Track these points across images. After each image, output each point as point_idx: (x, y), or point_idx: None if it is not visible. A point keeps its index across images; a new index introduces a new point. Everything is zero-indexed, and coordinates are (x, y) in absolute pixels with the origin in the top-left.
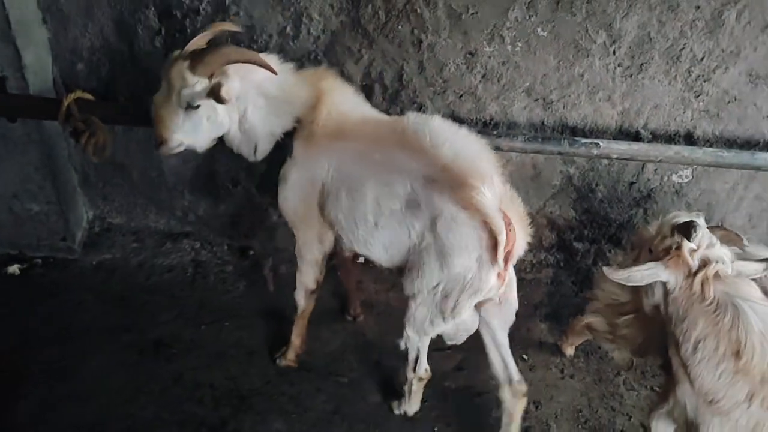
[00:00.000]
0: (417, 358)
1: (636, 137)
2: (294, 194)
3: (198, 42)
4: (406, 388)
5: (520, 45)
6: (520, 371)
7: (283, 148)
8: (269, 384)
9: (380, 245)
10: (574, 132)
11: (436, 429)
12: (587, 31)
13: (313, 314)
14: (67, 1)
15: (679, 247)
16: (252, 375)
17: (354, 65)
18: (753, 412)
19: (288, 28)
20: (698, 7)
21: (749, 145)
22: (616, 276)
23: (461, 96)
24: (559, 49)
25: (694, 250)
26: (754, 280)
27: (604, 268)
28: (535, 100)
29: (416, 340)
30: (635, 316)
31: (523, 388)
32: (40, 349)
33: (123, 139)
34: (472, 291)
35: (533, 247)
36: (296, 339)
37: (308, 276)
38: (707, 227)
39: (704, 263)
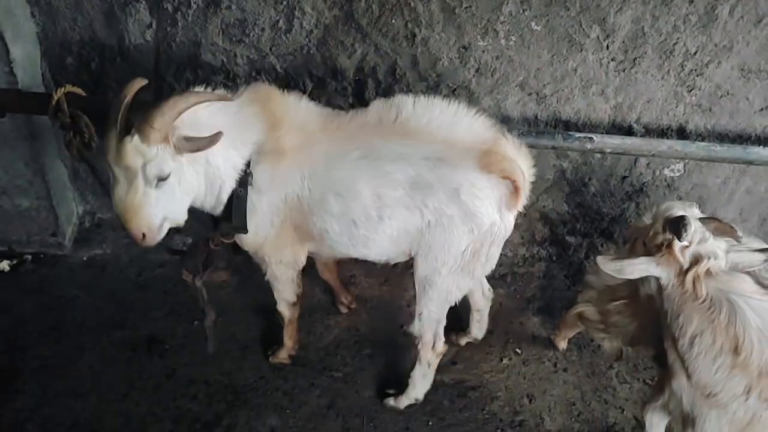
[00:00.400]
0: (435, 335)
1: (629, 131)
2: (266, 221)
3: (123, 115)
4: (417, 372)
5: (513, 39)
6: (514, 366)
7: (240, 183)
8: (263, 379)
9: (386, 238)
10: (568, 126)
11: (430, 423)
12: (581, 25)
13: (307, 309)
14: None
15: (670, 245)
16: (246, 370)
17: (347, 59)
18: (750, 404)
19: (280, 22)
20: (692, 2)
21: (741, 139)
22: (608, 267)
23: (455, 90)
24: (553, 43)
25: (686, 247)
26: (748, 272)
27: (599, 258)
28: (529, 95)
29: (436, 317)
30: (627, 302)
31: (491, 293)
32: (32, 346)
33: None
34: (500, 239)
35: (526, 241)
36: (288, 341)
37: (287, 293)
38: (700, 218)
39: (696, 260)
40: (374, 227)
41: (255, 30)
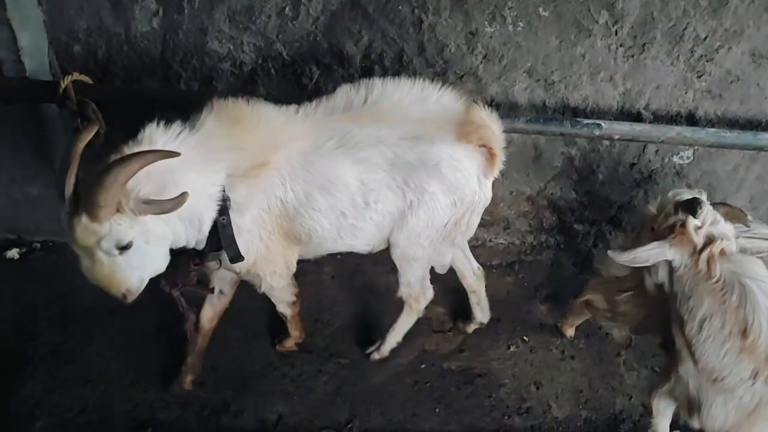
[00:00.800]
0: (422, 288)
1: (637, 118)
2: (254, 238)
3: (70, 183)
4: (403, 320)
5: (521, 25)
6: (521, 353)
7: (221, 211)
8: (270, 366)
9: (373, 225)
10: (576, 113)
11: (437, 410)
12: (589, 10)
13: (314, 296)
14: None
15: (683, 225)
16: (253, 357)
17: (354, 46)
18: (757, 389)
19: (287, 9)
20: None
21: (751, 125)
22: (621, 258)
23: (462, 77)
24: (561, 29)
25: (699, 227)
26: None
27: (609, 252)
28: (537, 81)
29: (420, 277)
30: (635, 293)
31: (482, 272)
32: (42, 333)
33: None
34: (481, 208)
35: (534, 229)
36: (295, 331)
37: (285, 296)
38: (710, 204)
39: (709, 240)
40: (362, 214)
41: (261, 17)
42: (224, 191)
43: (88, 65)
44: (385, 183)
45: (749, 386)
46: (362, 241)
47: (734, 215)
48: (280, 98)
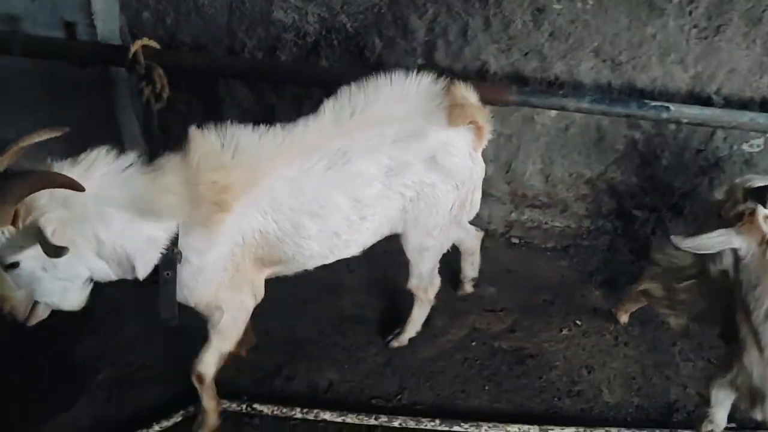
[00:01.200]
0: (431, 278)
1: (707, 103)
2: (217, 272)
3: None
4: (418, 313)
5: (590, 2)
6: (573, 337)
7: (165, 262)
8: (322, 334)
9: (369, 233)
10: (642, 95)
11: (486, 387)
12: None
13: (365, 269)
14: None
15: (752, 213)
16: (306, 324)
17: (418, 20)
18: None
19: None
20: None
21: None
22: (684, 244)
23: (526, 54)
24: (632, 7)
25: None
26: None
27: (672, 237)
28: (603, 61)
29: (431, 267)
30: (696, 281)
31: (480, 232)
32: (106, 290)
33: (186, 89)
34: (479, 181)
35: (591, 213)
36: (212, 402)
37: (232, 337)
38: None
39: None
40: (357, 229)
41: None
42: (175, 239)
43: (156, 31)
44: (382, 194)
45: None
46: (355, 249)
47: None
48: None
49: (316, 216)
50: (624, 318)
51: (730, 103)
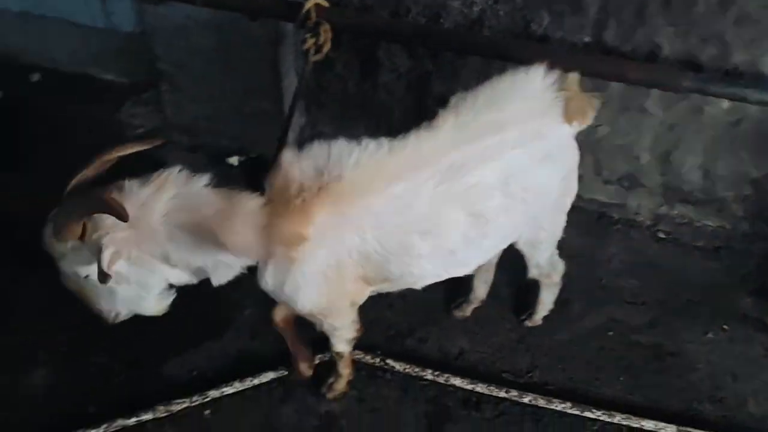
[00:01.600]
0: (553, 263)
1: None
2: (305, 297)
3: (79, 179)
4: (548, 296)
5: None
6: (719, 341)
7: None
8: (454, 303)
9: (491, 249)
10: None
11: (621, 378)
12: None
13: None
14: None
15: None
16: (439, 291)
17: None
18: None
19: None
20: None
21: None
22: None
23: (705, 40)
24: None
25: None
26: None
27: None
28: None
29: (549, 256)
30: None
31: None
32: None
33: (347, 49)
34: (577, 164)
35: (750, 215)
36: (346, 369)
37: (348, 333)
38: None
39: None
40: (477, 246)
41: None
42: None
43: None
44: (503, 205)
45: None
46: (474, 266)
47: None
48: (504, 44)
49: (427, 234)
50: None
51: None
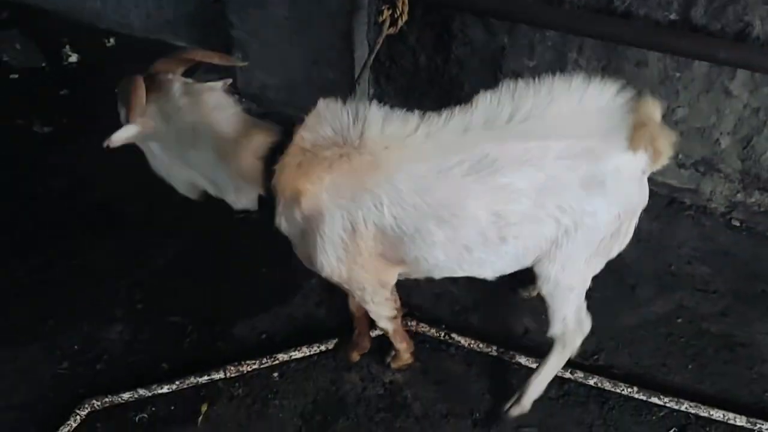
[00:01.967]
0: (579, 320)
1: None
2: (326, 256)
3: (158, 65)
4: (548, 366)
5: None
6: None
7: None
8: (521, 283)
9: (509, 258)
10: None
11: (689, 366)
12: None
13: None
14: None
15: None
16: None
17: None
18: None
19: None
20: None
21: None
22: None
23: None
24: None
25: None
26: None
27: None
28: None
29: (577, 309)
30: None
31: None
32: None
33: (420, 22)
34: (640, 208)
35: None
36: (401, 344)
37: (384, 311)
38: None
39: None
40: (494, 250)
41: None
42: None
43: None
44: (530, 214)
45: None
46: (491, 271)
47: None
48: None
49: (444, 223)
50: None
51: None
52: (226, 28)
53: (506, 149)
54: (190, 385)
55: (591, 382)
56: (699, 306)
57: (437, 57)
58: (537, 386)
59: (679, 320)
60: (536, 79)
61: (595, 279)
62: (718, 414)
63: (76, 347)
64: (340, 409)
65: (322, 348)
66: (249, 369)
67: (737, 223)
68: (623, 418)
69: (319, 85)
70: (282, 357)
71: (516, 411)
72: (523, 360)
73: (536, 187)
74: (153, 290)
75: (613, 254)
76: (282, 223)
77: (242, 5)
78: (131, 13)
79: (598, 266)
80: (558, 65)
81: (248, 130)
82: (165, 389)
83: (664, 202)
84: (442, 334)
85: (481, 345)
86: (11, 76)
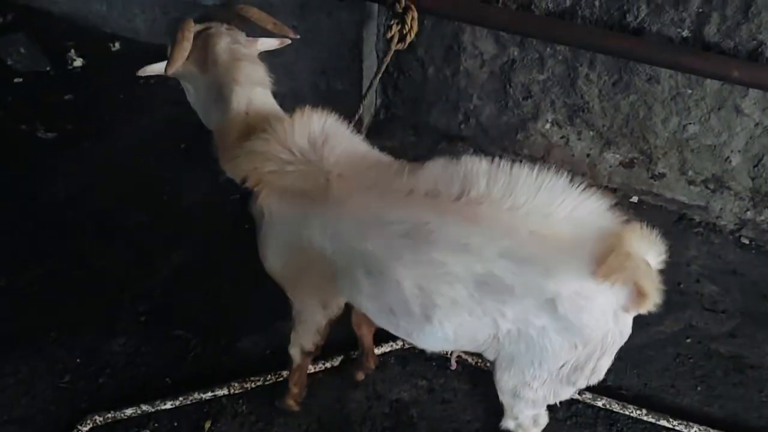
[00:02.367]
0: (535, 416)
1: None
2: (273, 252)
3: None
4: None
5: None
6: None
7: None
8: None
9: (438, 339)
10: None
11: (698, 388)
12: None
13: None
14: None
15: None
16: None
17: None
18: None
19: None
20: None
21: None
22: None
23: None
24: None
25: None
26: None
27: None
28: None
29: (533, 414)
30: None
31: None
32: None
33: (430, 34)
34: (613, 349)
35: None
36: (294, 387)
37: (306, 339)
38: None
39: None
40: (419, 326)
41: None
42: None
43: None
44: (464, 304)
45: None
46: (422, 345)
47: None
48: (595, 36)
49: (370, 275)
50: None
51: None
52: None
53: (447, 226)
54: (194, 401)
55: (599, 403)
56: (708, 326)
57: (446, 68)
58: None
59: (688, 340)
60: (500, 162)
61: None
62: None
63: (78, 360)
64: (346, 427)
65: (327, 365)
66: (253, 385)
67: (746, 241)
68: None
69: (327, 95)
70: (287, 374)
71: None
72: None
73: (473, 278)
74: (157, 302)
75: (580, 385)
76: (250, 205)
77: None
78: (137, 17)
79: (562, 393)
80: (569, 79)
81: (260, 114)
82: (168, 405)
83: (674, 219)
84: (448, 353)
85: (488, 363)
86: (15, 80)
